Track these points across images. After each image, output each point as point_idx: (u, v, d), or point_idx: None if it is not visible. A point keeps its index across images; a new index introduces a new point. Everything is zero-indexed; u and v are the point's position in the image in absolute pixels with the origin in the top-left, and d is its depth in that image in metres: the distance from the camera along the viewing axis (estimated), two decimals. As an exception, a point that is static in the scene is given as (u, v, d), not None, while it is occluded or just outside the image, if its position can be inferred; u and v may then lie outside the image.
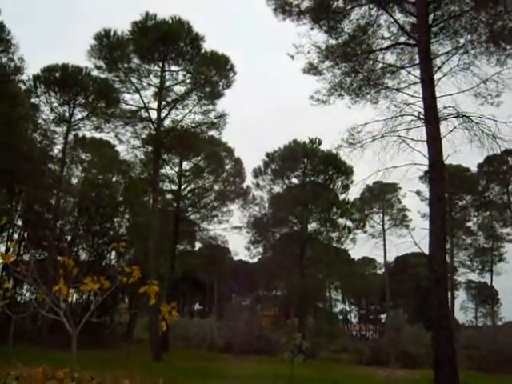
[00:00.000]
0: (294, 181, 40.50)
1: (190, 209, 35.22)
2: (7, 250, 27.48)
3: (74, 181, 36.06)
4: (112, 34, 25.37)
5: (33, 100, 29.25)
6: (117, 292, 26.82)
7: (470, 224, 48.11)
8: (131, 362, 19.56)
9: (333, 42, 18.26)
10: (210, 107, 27.83)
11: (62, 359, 5.62)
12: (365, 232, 44.90)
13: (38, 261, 27.44)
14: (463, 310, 61.84)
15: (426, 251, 15.67)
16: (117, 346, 28.76)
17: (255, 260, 46.15)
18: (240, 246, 41.06)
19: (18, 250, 29.45)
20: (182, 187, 34.18)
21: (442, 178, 16.24)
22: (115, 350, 26.86)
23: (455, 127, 16.18)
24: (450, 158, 16.26)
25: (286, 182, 40.49)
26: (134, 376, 6.42)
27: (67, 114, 30.20)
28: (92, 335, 21.92)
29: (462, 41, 17.40)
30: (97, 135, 32.03)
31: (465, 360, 24.94)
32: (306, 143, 38.96)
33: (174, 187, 34.26)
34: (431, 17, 16.99)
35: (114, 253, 35.09)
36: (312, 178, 39.84)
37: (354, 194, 55.17)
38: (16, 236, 33.15)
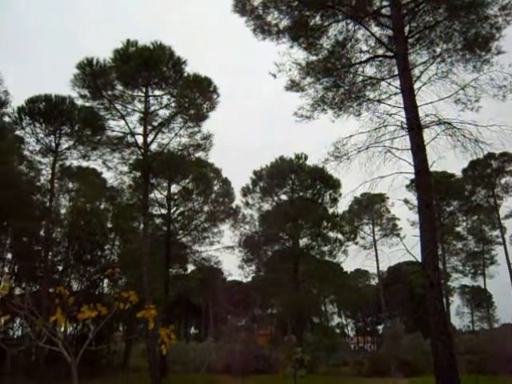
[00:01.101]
0: (283, 197, 40.67)
1: (180, 232, 35.13)
2: (-2, 284, 27.16)
3: (63, 210, 35.91)
4: (95, 62, 25.44)
5: (18, 132, 29.21)
6: (112, 320, 26.53)
7: (459, 229, 48.50)
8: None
9: (313, 58, 18.54)
10: (196, 129, 27.95)
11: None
12: (356, 244, 44.99)
13: (32, 293, 27.18)
14: (459, 315, 62.09)
15: (419, 258, 15.74)
16: (115, 375, 28.42)
17: (249, 279, 46.05)
18: (233, 266, 40.97)
19: (10, 284, 29.14)
20: (172, 210, 34.16)
21: (428, 185, 16.41)
22: (113, 379, 26.54)
23: (438, 134, 16.42)
24: (435, 164, 16.41)
25: (275, 198, 40.61)
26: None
27: (53, 144, 29.98)
28: (89, 365, 21.63)
29: (438, 50, 17.78)
30: (83, 163, 31.94)
31: (465, 364, 24.91)
32: (293, 159, 39.23)
33: (163, 211, 34.25)
34: (407, 28, 17.34)
35: (106, 280, 34.85)
36: (300, 194, 40.02)
37: (342, 206, 55.66)
38: (6, 270, 32.90)
